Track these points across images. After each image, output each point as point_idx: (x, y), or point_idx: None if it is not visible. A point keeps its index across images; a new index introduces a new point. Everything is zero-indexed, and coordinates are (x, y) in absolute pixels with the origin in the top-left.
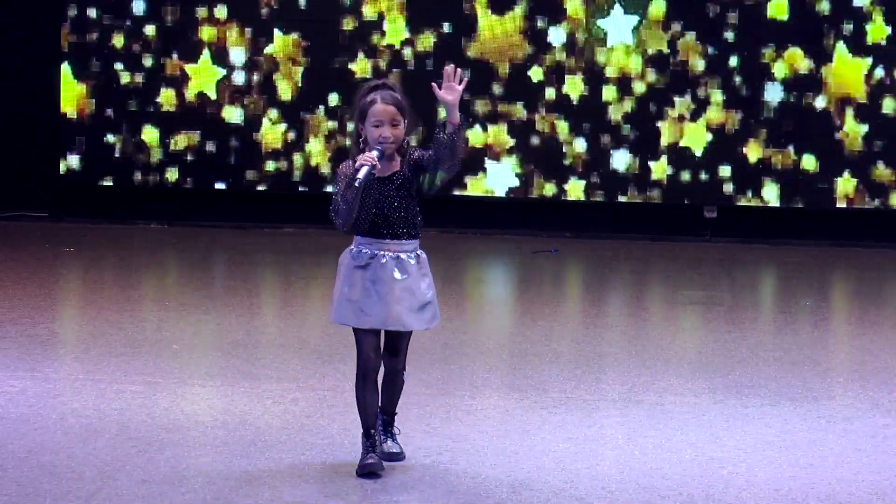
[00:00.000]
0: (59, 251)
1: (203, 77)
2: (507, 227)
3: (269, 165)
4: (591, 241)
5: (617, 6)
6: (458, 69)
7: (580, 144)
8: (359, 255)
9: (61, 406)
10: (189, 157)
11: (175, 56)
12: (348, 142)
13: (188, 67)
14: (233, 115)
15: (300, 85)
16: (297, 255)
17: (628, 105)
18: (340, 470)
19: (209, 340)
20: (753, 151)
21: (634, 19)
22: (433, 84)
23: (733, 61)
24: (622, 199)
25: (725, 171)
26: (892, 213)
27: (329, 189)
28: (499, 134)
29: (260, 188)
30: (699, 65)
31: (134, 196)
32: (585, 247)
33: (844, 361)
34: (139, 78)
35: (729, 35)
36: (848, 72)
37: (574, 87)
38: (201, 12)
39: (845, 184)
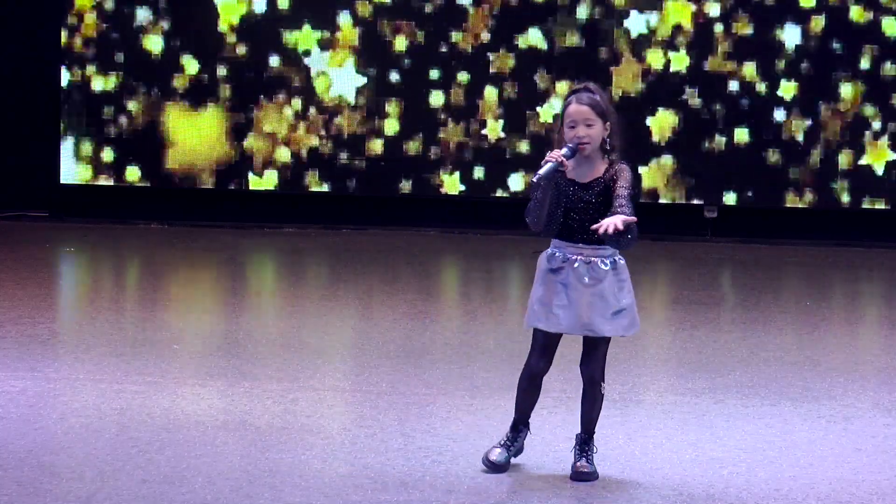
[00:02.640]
0: (59, 251)
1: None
2: (508, 227)
3: (270, 164)
4: None
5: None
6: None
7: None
8: (552, 258)
9: (62, 406)
10: (191, 157)
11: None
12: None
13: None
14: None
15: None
16: (298, 254)
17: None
18: (341, 470)
19: (209, 340)
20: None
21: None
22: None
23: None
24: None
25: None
26: (891, 212)
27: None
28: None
29: (260, 188)
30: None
31: (134, 196)
32: None
33: (845, 361)
34: (141, 76)
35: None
36: None
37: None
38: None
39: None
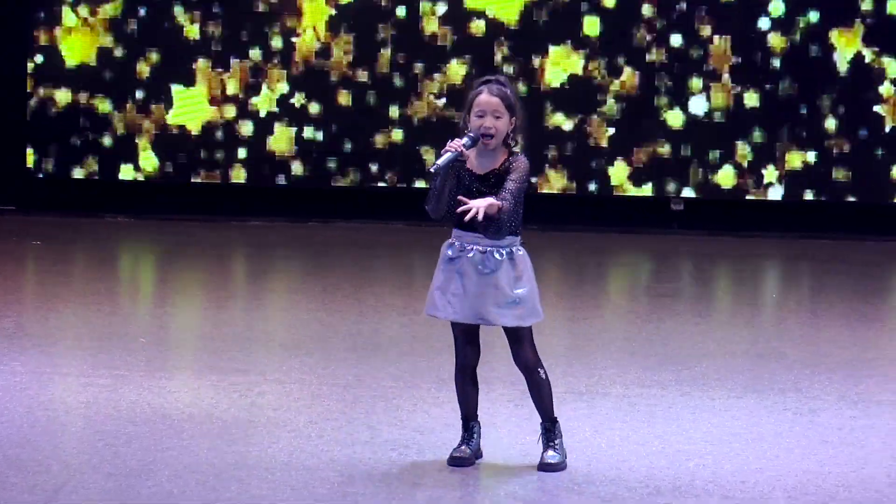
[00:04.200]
0: (26, 244)
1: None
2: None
3: (239, 156)
4: (559, 233)
5: None
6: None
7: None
8: (450, 246)
9: (28, 399)
10: (159, 150)
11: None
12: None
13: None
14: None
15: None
16: (265, 248)
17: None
18: (308, 463)
19: (176, 334)
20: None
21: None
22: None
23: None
24: (590, 191)
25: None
26: (857, 205)
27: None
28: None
29: (228, 181)
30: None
31: (102, 189)
32: (553, 240)
33: (811, 354)
34: (108, 71)
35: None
36: None
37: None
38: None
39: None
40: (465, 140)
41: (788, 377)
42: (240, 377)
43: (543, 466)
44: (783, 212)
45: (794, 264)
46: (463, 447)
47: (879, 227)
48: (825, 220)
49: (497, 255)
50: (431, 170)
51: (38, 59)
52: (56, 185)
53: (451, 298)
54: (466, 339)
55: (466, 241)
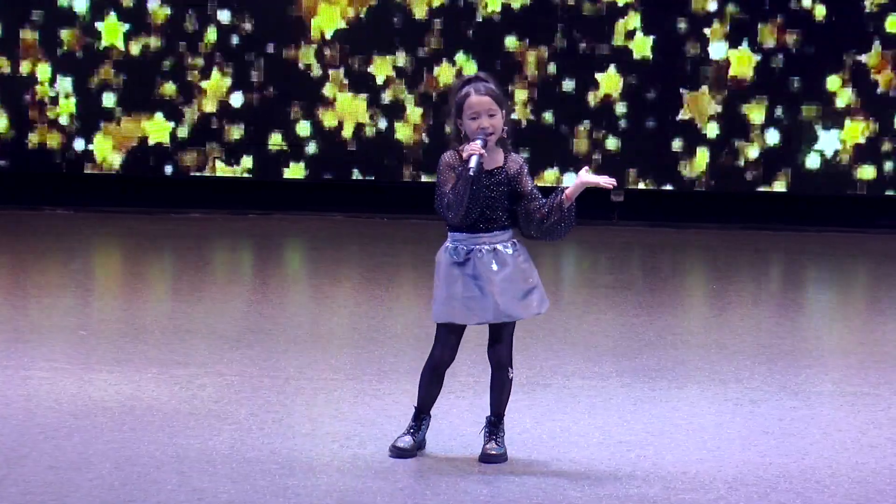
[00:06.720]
0: None
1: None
2: (414, 212)
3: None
4: None
5: None
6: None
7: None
8: (455, 251)
9: None
10: (96, 140)
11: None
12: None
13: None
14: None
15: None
16: (204, 240)
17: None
18: (248, 455)
19: (116, 326)
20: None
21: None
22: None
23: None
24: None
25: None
26: (800, 196)
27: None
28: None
29: (168, 173)
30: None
31: (39, 181)
32: None
33: (751, 344)
34: (45, 56)
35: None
36: None
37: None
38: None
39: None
40: (479, 142)
41: (729, 368)
42: (180, 369)
43: (485, 457)
44: (724, 202)
45: (733, 254)
46: (406, 437)
47: (817, 218)
48: (763, 209)
49: (506, 250)
50: (470, 174)
51: None
52: None
53: (470, 303)
54: (450, 341)
55: (471, 243)
